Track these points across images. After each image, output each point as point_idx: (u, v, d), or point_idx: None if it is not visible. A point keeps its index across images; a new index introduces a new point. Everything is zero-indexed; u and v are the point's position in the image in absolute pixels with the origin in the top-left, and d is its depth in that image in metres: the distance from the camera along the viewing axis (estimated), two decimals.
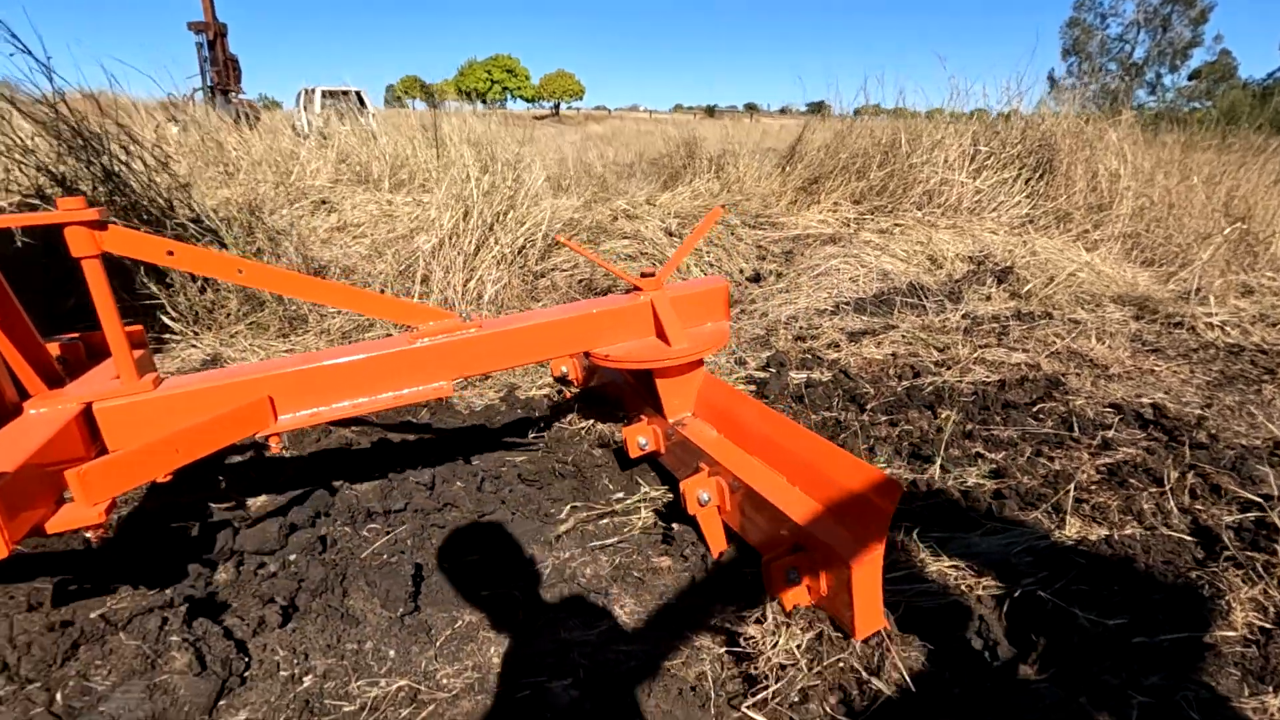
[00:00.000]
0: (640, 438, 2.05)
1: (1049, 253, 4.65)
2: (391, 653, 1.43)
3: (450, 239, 3.66)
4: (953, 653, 1.48)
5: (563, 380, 2.66)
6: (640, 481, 2.22)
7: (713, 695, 1.38)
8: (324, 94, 21.23)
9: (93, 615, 1.41)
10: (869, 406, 2.81)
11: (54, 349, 1.67)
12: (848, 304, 4.10)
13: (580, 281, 3.99)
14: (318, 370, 1.64)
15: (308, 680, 1.34)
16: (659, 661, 1.46)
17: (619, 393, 2.41)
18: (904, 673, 1.38)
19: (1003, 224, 5.15)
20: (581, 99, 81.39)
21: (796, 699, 1.35)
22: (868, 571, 1.36)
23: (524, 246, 3.77)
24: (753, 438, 1.78)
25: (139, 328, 1.83)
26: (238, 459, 2.30)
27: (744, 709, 1.33)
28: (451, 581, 1.68)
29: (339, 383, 1.67)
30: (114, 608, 1.43)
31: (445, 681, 1.37)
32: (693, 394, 2.04)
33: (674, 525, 1.95)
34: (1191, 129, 6.73)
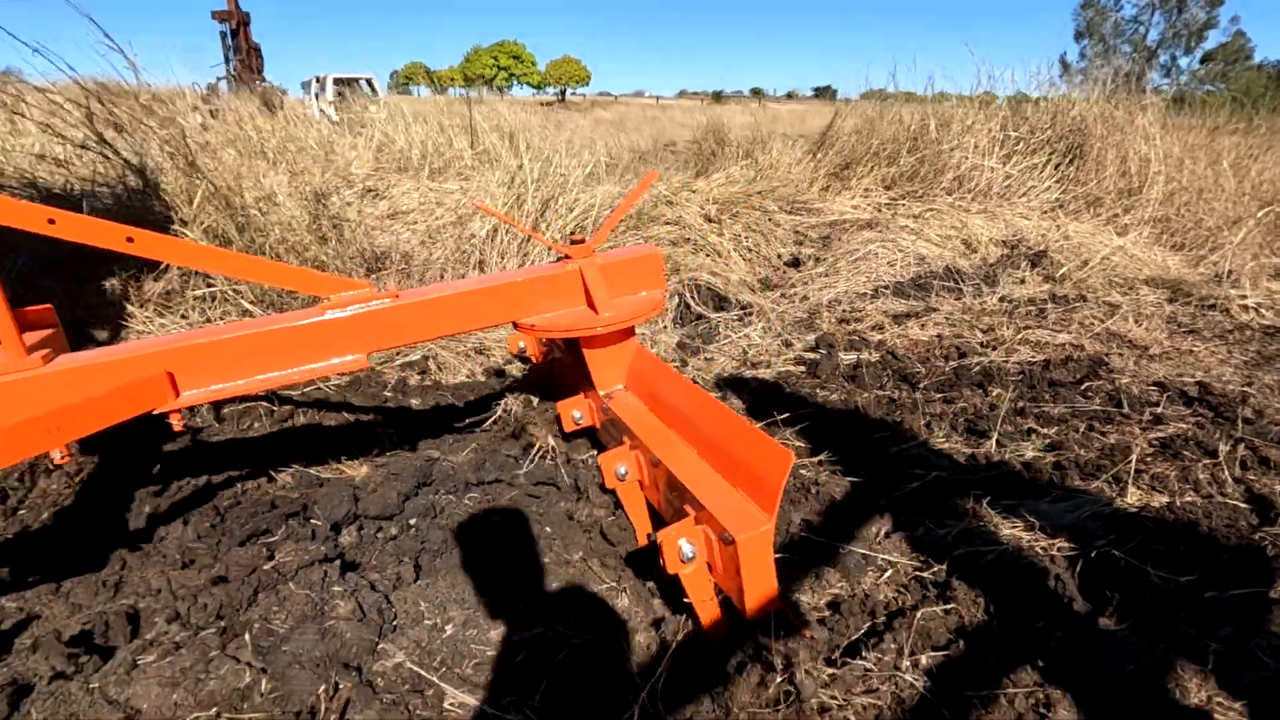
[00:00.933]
0: (575, 411, 2.03)
1: (1081, 237, 4.72)
2: (520, 604, 1.55)
3: (504, 225, 3.76)
4: (1033, 606, 1.59)
5: (521, 356, 2.62)
6: None
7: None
8: (335, 81, 21.23)
9: (265, 567, 1.54)
10: (921, 385, 2.91)
11: None
12: (886, 287, 4.20)
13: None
14: (220, 343, 1.59)
15: (449, 629, 1.46)
16: None
17: (564, 367, 2.30)
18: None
19: (1033, 209, 5.22)
20: (588, 85, 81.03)
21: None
22: (756, 546, 1.29)
23: (573, 231, 3.86)
24: (673, 412, 1.73)
25: (48, 307, 1.77)
26: (334, 423, 2.42)
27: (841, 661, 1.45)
28: (557, 544, 1.81)
29: (244, 356, 1.61)
30: (281, 561, 1.56)
31: (572, 623, 1.50)
32: (624, 366, 1.98)
33: None
34: (1213, 112, 6.75)
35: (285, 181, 3.77)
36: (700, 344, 3.53)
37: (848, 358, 3.24)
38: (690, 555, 1.37)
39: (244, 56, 10.17)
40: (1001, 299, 4.05)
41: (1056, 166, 5.46)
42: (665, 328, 3.71)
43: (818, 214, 4.87)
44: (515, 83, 75.69)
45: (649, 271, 2.08)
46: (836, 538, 1.84)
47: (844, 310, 3.85)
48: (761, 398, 2.88)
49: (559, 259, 2.03)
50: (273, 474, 2.11)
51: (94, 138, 3.03)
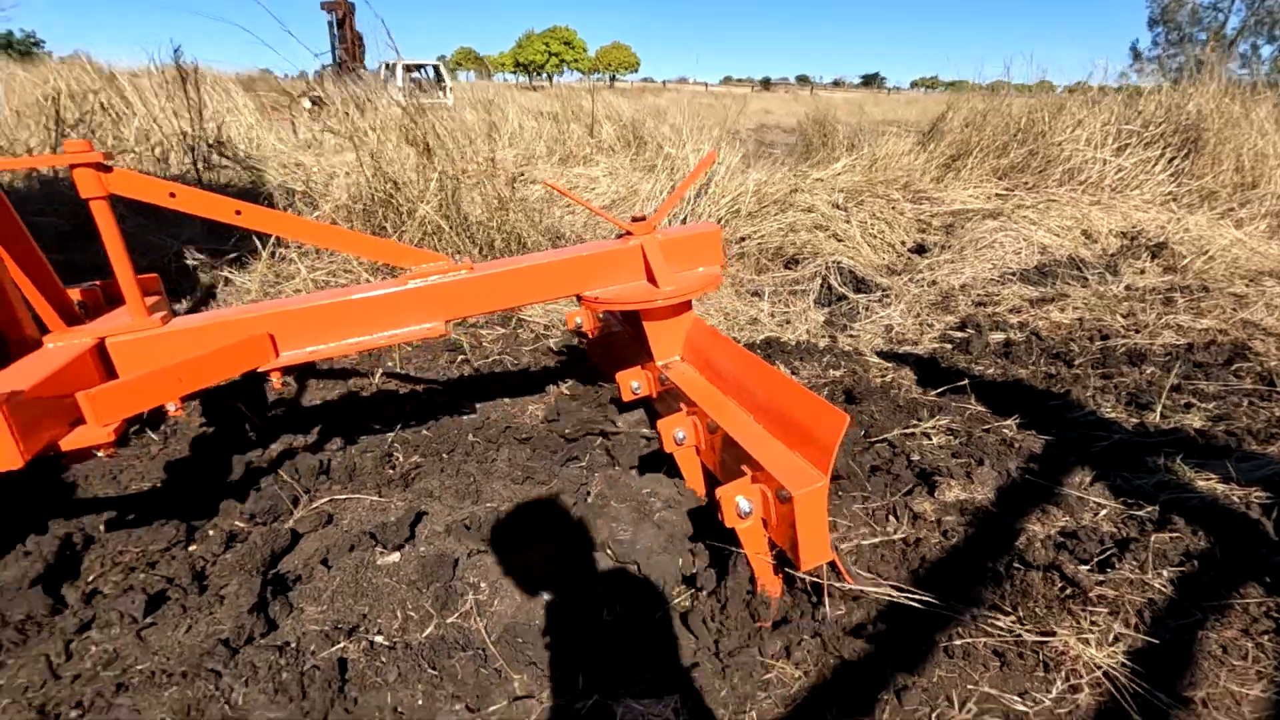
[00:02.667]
0: (633, 381, 2.08)
1: (1199, 230, 4.85)
2: None
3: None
4: (1243, 539, 1.86)
5: (578, 332, 2.68)
6: None
7: None
8: (405, 68, 21.76)
9: (593, 491, 1.90)
10: (1076, 363, 3.16)
11: (75, 294, 1.79)
12: (1013, 274, 4.42)
13: (767, 250, 4.40)
14: (315, 309, 1.72)
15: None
16: None
17: (622, 340, 2.41)
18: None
19: (1147, 202, 5.35)
20: (636, 71, 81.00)
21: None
22: (811, 503, 1.36)
23: (726, 218, 4.17)
24: (729, 379, 1.81)
25: (154, 275, 1.94)
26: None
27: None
28: None
29: (336, 321, 1.74)
30: (597, 490, 1.92)
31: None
32: (681, 337, 2.05)
33: None
34: None
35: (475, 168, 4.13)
36: (845, 322, 3.82)
37: (995, 337, 3.50)
38: (747, 511, 1.45)
39: (348, 45, 10.71)
40: (1127, 288, 4.24)
41: (1170, 160, 5.57)
42: (809, 307, 4.01)
43: (938, 203, 5.10)
44: (566, 68, 76.17)
45: (708, 248, 2.16)
46: (1049, 482, 2.14)
47: (978, 294, 4.09)
48: (922, 370, 3.16)
49: (622, 235, 2.11)
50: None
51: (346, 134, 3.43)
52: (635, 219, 2.06)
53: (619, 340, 2.44)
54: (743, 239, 4.32)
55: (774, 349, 3.24)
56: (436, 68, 21.70)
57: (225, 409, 2.44)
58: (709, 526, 1.81)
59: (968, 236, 4.63)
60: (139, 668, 1.42)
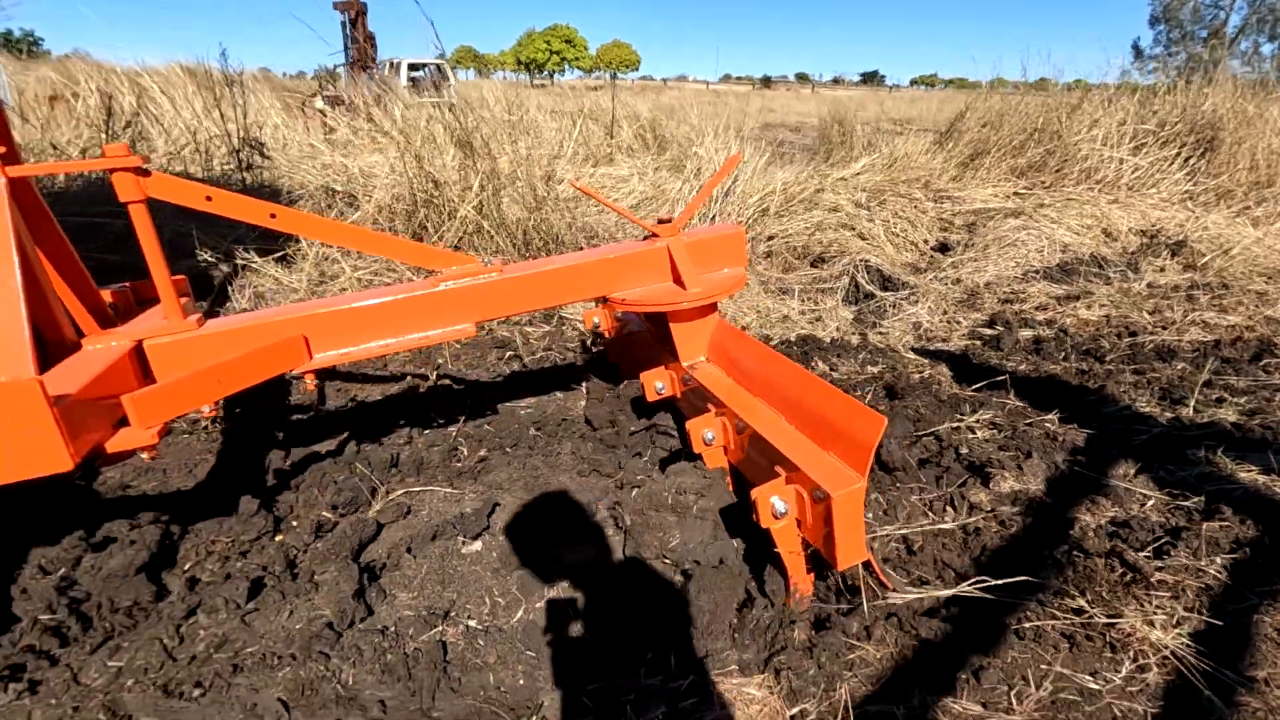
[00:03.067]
0: (658, 382, 2.10)
1: (1218, 228, 4.92)
2: None
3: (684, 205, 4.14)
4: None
5: (596, 331, 2.72)
6: None
7: None
8: (410, 66, 21.77)
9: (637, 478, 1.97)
10: (1107, 359, 3.23)
11: (106, 296, 1.81)
12: (1036, 272, 4.48)
13: (794, 249, 4.46)
14: (348, 312, 1.74)
15: None
16: None
17: (644, 339, 2.41)
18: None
19: (1164, 200, 5.41)
20: (637, 69, 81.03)
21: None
22: (849, 503, 1.37)
23: (754, 218, 4.24)
24: (757, 380, 1.82)
25: (182, 278, 1.95)
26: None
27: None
28: None
29: (368, 324, 1.76)
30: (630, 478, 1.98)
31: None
32: (706, 338, 2.07)
33: None
34: None
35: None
36: (875, 319, 3.88)
37: (1025, 334, 3.56)
38: (782, 511, 1.46)
39: (360, 45, 10.77)
40: (1149, 285, 4.31)
41: (1186, 160, 5.63)
42: (838, 305, 4.07)
43: (960, 202, 5.16)
44: (568, 66, 76.19)
45: (732, 249, 2.17)
46: (1095, 474, 2.20)
47: (1004, 292, 4.16)
48: (956, 366, 3.22)
49: (648, 237, 2.11)
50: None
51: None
52: (661, 220, 2.07)
53: (639, 340, 2.46)
54: (770, 238, 4.39)
55: (810, 346, 3.31)
56: (440, 66, 21.70)
57: (284, 403, 2.51)
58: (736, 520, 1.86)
59: (990, 235, 4.69)
60: (249, 650, 1.48)
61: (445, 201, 3.41)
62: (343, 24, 10.84)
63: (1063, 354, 3.32)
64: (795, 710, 1.34)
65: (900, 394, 2.75)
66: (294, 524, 1.89)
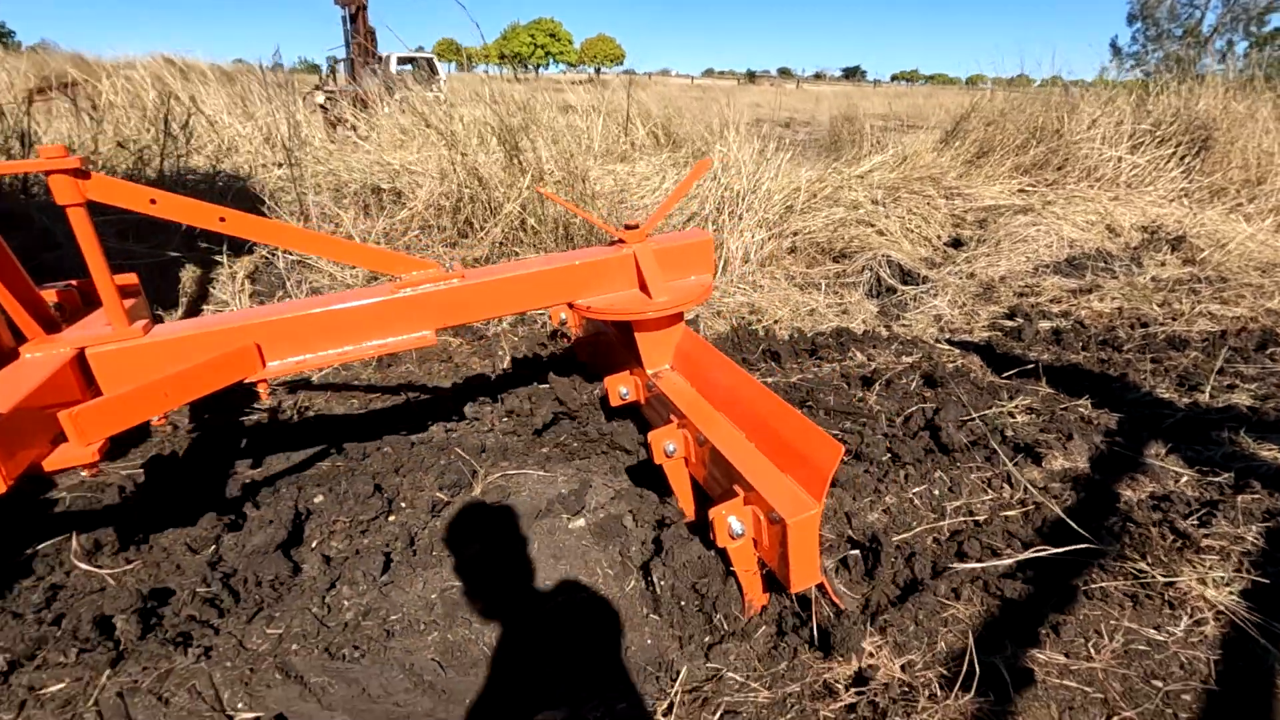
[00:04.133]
0: (622, 387, 2.07)
1: (1214, 224, 5.16)
2: None
3: (725, 202, 4.28)
4: None
5: (562, 328, 2.69)
6: None
7: None
8: (399, 60, 21.64)
9: None
10: (1124, 348, 3.42)
11: (51, 296, 1.73)
12: (1046, 267, 4.69)
13: (816, 244, 4.62)
14: (303, 318, 1.67)
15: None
16: None
17: (610, 342, 2.37)
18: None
19: (1161, 198, 5.65)
20: (621, 63, 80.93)
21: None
22: (804, 529, 1.37)
23: (781, 215, 4.39)
24: (721, 394, 1.80)
25: (133, 276, 1.86)
26: None
27: None
28: None
29: (324, 331, 1.70)
30: None
31: None
32: (672, 347, 2.05)
33: None
34: None
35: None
36: (898, 312, 4.06)
37: (1044, 325, 3.75)
38: (739, 532, 1.46)
39: (361, 39, 10.75)
40: (1153, 279, 4.53)
41: (1182, 158, 5.88)
42: (861, 298, 4.24)
43: (970, 199, 5.36)
44: (552, 60, 75.84)
45: (700, 256, 2.13)
46: (1131, 453, 2.39)
47: (1019, 286, 4.35)
48: (984, 356, 3.40)
49: (614, 242, 2.07)
50: None
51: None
52: (628, 226, 2.04)
53: (606, 341, 2.42)
54: (794, 234, 4.54)
55: (846, 338, 3.47)
56: (430, 60, 21.58)
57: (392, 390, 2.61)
58: None
59: (1002, 231, 4.89)
60: (394, 617, 1.61)
61: (490, 198, 3.52)
62: (343, 19, 10.82)
63: (1081, 344, 3.51)
64: (903, 660, 1.49)
65: (939, 381, 2.92)
66: (403, 505, 2.01)
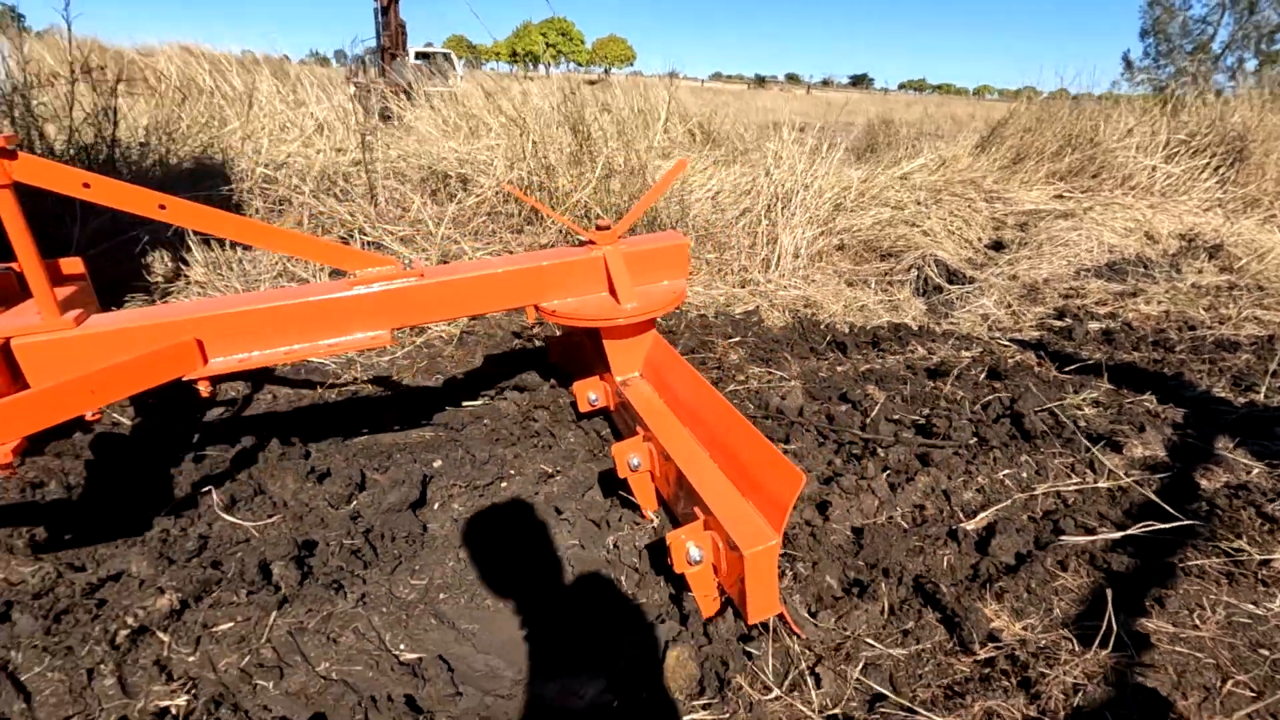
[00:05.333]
0: (590, 393, 2.04)
1: (1251, 234, 5.24)
2: None
3: (768, 206, 4.37)
4: None
5: (539, 324, 2.65)
6: None
7: None
8: (415, 54, 21.75)
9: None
10: (1176, 349, 3.50)
11: None
12: (1087, 270, 4.76)
13: (863, 243, 4.70)
14: (248, 313, 1.59)
15: None
16: None
17: (581, 345, 2.31)
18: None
19: (1196, 207, 5.73)
20: (632, 64, 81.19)
21: None
22: (762, 560, 1.33)
23: (831, 215, 4.47)
24: (687, 410, 1.74)
25: (77, 260, 1.76)
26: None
27: None
28: None
29: (271, 327, 1.61)
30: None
31: None
32: (642, 355, 1.99)
33: None
34: None
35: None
36: (946, 310, 4.14)
37: (1094, 326, 3.83)
38: (697, 559, 1.43)
39: (391, 33, 10.85)
40: (1193, 285, 4.61)
41: (1217, 169, 5.96)
42: (910, 296, 4.31)
43: (1011, 203, 5.44)
44: (564, 60, 76.07)
45: (674, 260, 2.05)
46: (1202, 445, 2.46)
47: (1063, 288, 4.43)
48: (1039, 353, 3.48)
49: (583, 243, 2.00)
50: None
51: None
52: (600, 227, 1.96)
53: (578, 343, 2.36)
54: (842, 232, 4.62)
55: (904, 332, 3.55)
56: (446, 55, 21.70)
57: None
58: None
59: (1044, 235, 4.97)
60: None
61: (558, 186, 3.60)
62: (375, 11, 10.91)
63: (1132, 345, 3.58)
64: (1023, 624, 1.57)
65: (1004, 375, 3.00)
66: (511, 472, 2.08)
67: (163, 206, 1.47)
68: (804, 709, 1.33)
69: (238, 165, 3.41)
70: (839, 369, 3.03)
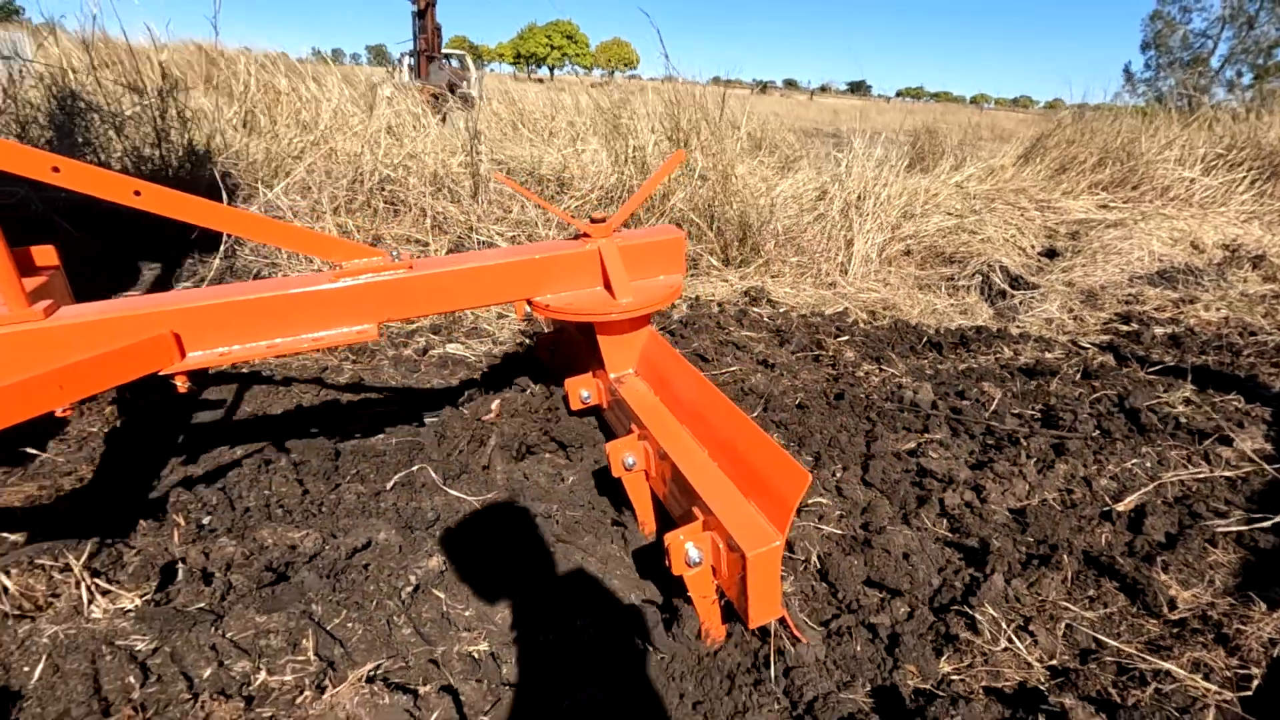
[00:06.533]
0: (583, 390, 2.00)
1: None
2: None
3: (842, 212, 4.55)
4: None
5: (529, 320, 2.61)
6: None
7: None
8: (408, 55, 21.88)
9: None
10: (1243, 353, 3.70)
11: None
12: (1140, 278, 4.97)
13: (928, 248, 4.89)
14: (228, 305, 1.53)
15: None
16: None
17: (573, 341, 2.26)
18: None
19: (1233, 218, 5.95)
20: (635, 68, 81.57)
21: None
22: (765, 562, 1.28)
23: (898, 220, 4.66)
24: (686, 407, 1.69)
25: (50, 249, 1.69)
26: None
27: None
28: None
29: (253, 320, 1.55)
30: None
31: None
32: (637, 351, 1.95)
33: None
34: None
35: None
36: (1012, 314, 4.33)
37: (1160, 330, 4.03)
38: (697, 560, 1.38)
39: (428, 36, 11.01)
40: (1242, 294, 4.82)
41: (1253, 182, 6.19)
42: (976, 300, 4.51)
43: (1061, 212, 5.65)
44: (568, 62, 76.39)
45: (670, 255, 2.01)
46: None
47: (1121, 295, 4.63)
48: (1115, 356, 3.67)
49: (577, 236, 1.96)
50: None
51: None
52: (595, 220, 1.92)
53: (570, 340, 2.30)
54: (908, 238, 4.81)
55: (985, 333, 3.74)
56: (462, 58, 21.86)
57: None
58: None
59: (1096, 243, 5.17)
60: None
61: (656, 190, 3.77)
62: (414, 14, 11.08)
63: (1199, 349, 3.78)
64: (1190, 592, 1.75)
65: (1094, 374, 3.18)
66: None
67: (137, 193, 1.41)
68: (1028, 658, 1.50)
69: (362, 165, 3.56)
70: (940, 367, 3.21)
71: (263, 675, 1.34)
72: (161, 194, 1.43)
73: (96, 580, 1.52)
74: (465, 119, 4.47)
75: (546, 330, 2.45)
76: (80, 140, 3.64)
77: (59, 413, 1.36)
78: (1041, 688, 1.43)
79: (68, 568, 1.53)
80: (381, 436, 2.30)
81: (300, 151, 3.98)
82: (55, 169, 1.33)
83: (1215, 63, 35.26)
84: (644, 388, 1.87)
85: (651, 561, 1.80)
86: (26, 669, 1.36)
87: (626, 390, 1.85)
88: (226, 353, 1.56)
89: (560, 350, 2.41)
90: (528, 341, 3.00)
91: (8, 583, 1.48)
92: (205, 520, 1.80)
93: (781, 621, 1.49)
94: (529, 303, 1.88)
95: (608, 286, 1.88)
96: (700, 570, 1.40)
